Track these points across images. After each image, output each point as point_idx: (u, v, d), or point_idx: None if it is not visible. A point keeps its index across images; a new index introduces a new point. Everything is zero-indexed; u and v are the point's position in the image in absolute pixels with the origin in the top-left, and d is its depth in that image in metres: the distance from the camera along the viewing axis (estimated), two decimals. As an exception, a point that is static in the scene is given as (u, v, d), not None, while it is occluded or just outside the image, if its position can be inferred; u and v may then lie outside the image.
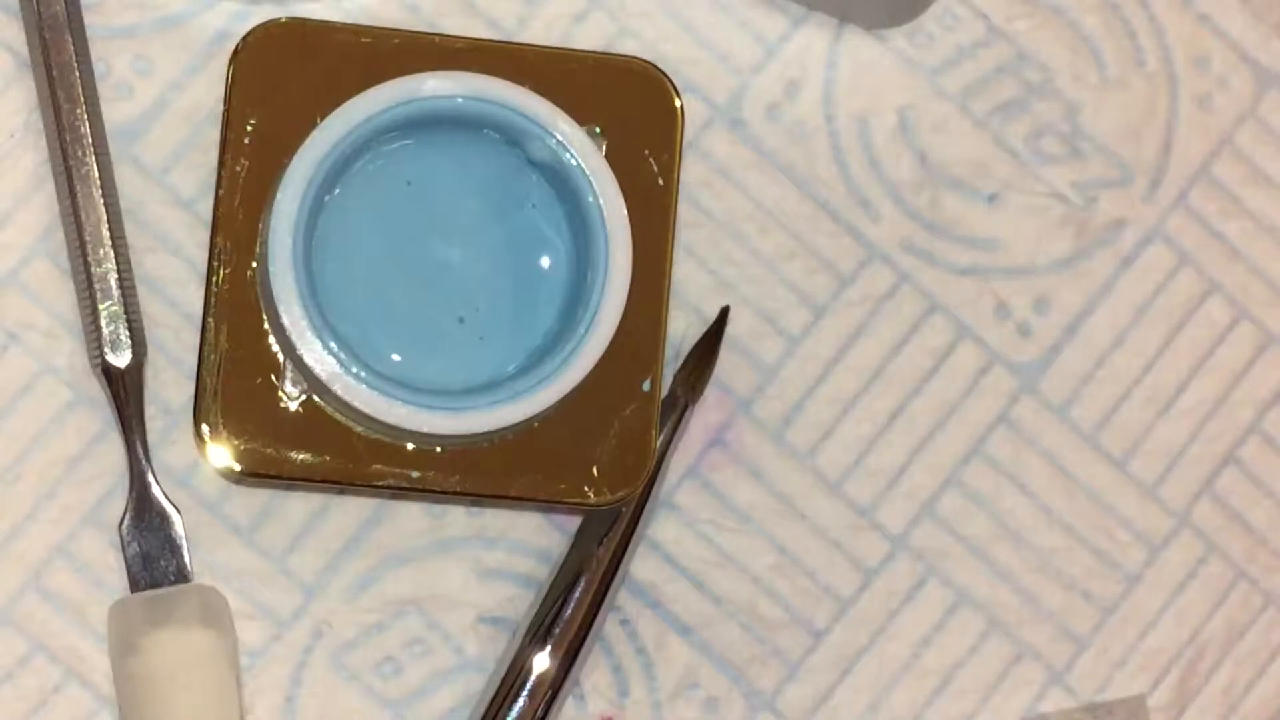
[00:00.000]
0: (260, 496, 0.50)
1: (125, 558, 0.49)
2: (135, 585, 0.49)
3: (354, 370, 0.47)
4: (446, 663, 0.50)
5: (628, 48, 0.51)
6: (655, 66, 0.49)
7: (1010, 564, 0.52)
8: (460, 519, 0.51)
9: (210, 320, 0.48)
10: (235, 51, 0.48)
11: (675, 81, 0.49)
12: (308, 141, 0.47)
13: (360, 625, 0.50)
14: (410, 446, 0.48)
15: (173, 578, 0.49)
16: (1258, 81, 0.53)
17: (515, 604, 0.50)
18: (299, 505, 0.50)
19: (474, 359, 0.49)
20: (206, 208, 0.49)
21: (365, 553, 0.50)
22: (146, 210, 0.50)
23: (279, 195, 0.46)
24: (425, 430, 0.47)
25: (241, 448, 0.48)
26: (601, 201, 0.47)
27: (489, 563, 0.50)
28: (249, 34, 0.48)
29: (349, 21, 0.49)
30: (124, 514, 0.49)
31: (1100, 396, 0.52)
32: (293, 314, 0.46)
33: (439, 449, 0.48)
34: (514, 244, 0.49)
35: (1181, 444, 0.52)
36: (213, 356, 0.48)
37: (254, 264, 0.48)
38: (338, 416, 0.48)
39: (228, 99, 0.48)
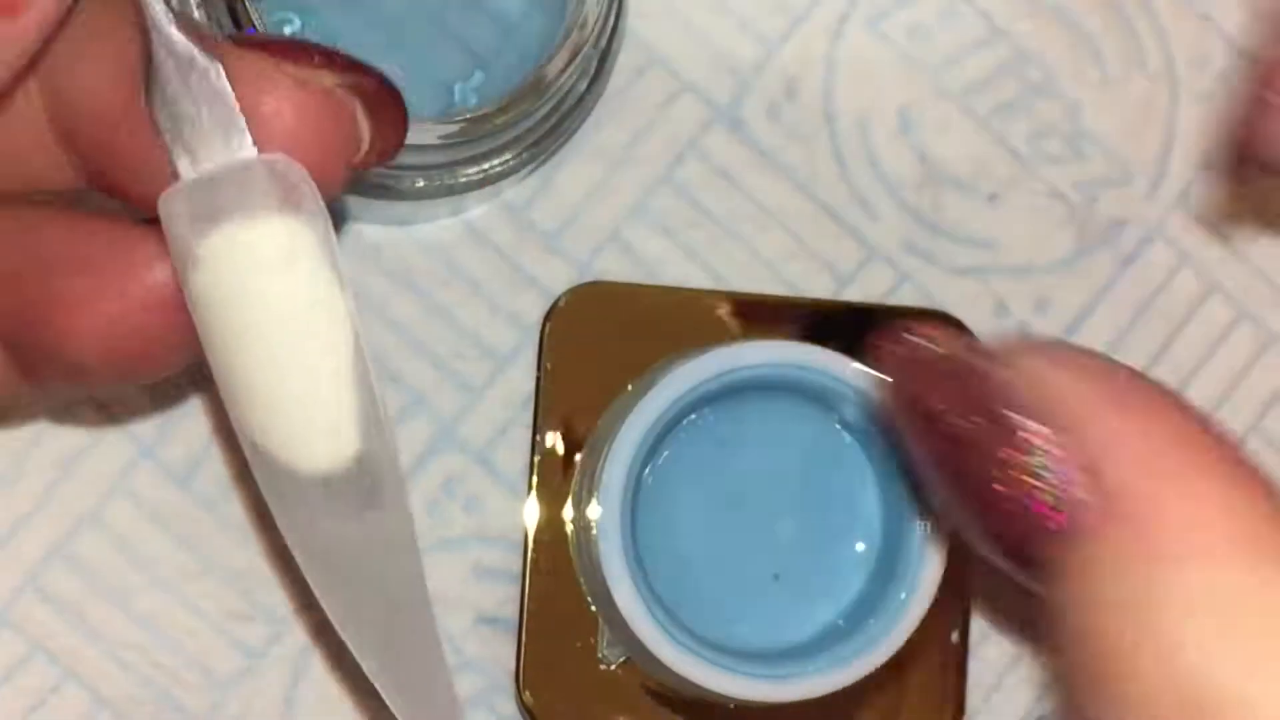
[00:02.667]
0: (262, 496, 0.50)
1: (162, 132, 0.35)
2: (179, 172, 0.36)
3: (679, 638, 0.47)
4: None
5: (627, 48, 0.51)
6: (951, 316, 0.50)
7: (1011, 564, 0.52)
8: (460, 518, 0.50)
9: (529, 587, 0.49)
10: (547, 315, 0.49)
11: (964, 323, 0.50)
12: (633, 415, 0.47)
13: (360, 625, 0.50)
14: (732, 706, 0.48)
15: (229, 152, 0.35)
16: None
17: (513, 604, 0.50)
18: (298, 505, 0.50)
19: (788, 618, 0.49)
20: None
21: (365, 553, 0.50)
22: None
23: (606, 470, 0.47)
24: (754, 699, 0.47)
25: (563, 711, 0.49)
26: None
27: (487, 563, 0.50)
28: (560, 298, 0.49)
29: (650, 283, 0.50)
30: (145, 80, 0.35)
31: (1101, 397, 0.52)
32: (623, 590, 0.46)
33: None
34: (824, 502, 0.49)
35: (1182, 444, 0.52)
36: (533, 623, 0.49)
37: (568, 526, 0.49)
38: (656, 678, 0.48)
39: (541, 362, 0.49)
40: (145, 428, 0.50)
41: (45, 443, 0.50)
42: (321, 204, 0.35)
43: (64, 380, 0.38)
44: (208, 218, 0.35)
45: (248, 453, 0.35)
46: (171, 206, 0.35)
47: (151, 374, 0.37)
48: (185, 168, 0.35)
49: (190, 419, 0.50)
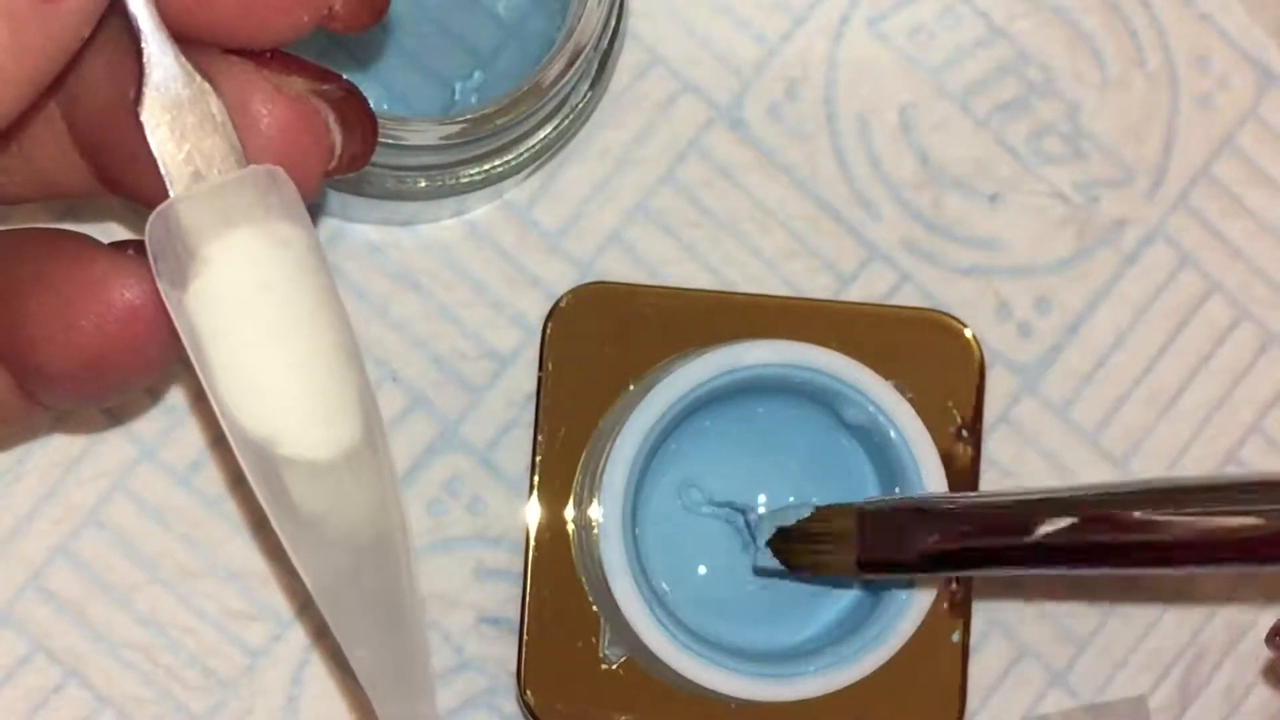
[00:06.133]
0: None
1: (155, 148, 0.36)
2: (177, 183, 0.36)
3: (680, 638, 0.46)
4: (446, 663, 0.50)
5: (628, 48, 0.51)
6: (952, 316, 0.50)
7: (1011, 564, 0.52)
8: (461, 518, 0.51)
9: (531, 586, 0.49)
10: (549, 315, 0.49)
11: (964, 326, 0.50)
12: (634, 415, 0.47)
13: (361, 625, 0.50)
14: (733, 705, 0.48)
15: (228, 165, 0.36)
16: (1259, 81, 0.53)
17: (515, 604, 0.50)
18: (300, 505, 0.50)
19: (789, 618, 0.49)
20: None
21: (366, 553, 0.50)
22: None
23: (607, 470, 0.47)
24: (754, 698, 0.47)
25: (565, 711, 0.48)
26: (921, 471, 0.47)
27: (489, 563, 0.50)
28: (561, 298, 0.49)
29: (651, 283, 0.50)
30: (138, 91, 0.36)
31: (1101, 396, 0.52)
32: (624, 589, 0.46)
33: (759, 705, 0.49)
34: (825, 502, 0.49)
35: (1183, 444, 0.52)
36: (535, 622, 0.48)
37: (570, 525, 0.49)
38: (658, 677, 0.48)
39: (543, 362, 0.49)
40: (146, 428, 0.50)
41: (47, 442, 0.50)
42: (305, 208, 0.36)
43: (49, 395, 0.38)
44: (206, 227, 0.35)
45: (238, 447, 0.36)
46: (168, 217, 0.35)
47: (116, 387, 0.38)
48: (180, 178, 0.35)
49: (191, 419, 0.50)
